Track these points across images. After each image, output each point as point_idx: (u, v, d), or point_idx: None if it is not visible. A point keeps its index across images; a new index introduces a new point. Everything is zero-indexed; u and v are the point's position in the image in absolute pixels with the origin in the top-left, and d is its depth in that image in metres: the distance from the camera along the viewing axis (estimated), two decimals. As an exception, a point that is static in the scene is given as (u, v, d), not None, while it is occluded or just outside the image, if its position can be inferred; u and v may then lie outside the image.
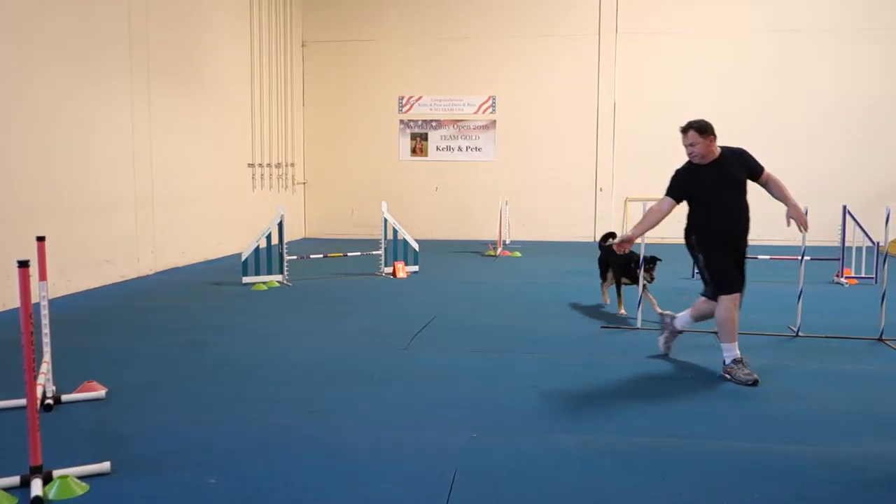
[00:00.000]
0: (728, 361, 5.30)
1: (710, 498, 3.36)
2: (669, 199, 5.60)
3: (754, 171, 5.56)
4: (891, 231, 7.37)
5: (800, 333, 6.63)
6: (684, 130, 5.50)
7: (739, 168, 5.54)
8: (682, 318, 5.81)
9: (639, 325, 6.89)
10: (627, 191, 15.32)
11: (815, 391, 5.02)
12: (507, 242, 13.84)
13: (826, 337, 6.57)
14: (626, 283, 7.64)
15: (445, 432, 4.17)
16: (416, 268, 10.62)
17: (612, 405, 4.72)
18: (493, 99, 15.99)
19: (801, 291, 6.75)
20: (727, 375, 5.25)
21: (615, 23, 15.37)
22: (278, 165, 15.01)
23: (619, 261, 7.56)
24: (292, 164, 15.74)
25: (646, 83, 15.37)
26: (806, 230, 5.56)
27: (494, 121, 16.05)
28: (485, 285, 9.72)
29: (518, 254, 12.97)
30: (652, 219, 5.67)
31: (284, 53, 15.35)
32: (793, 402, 4.78)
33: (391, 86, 16.22)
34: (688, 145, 5.47)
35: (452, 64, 16.01)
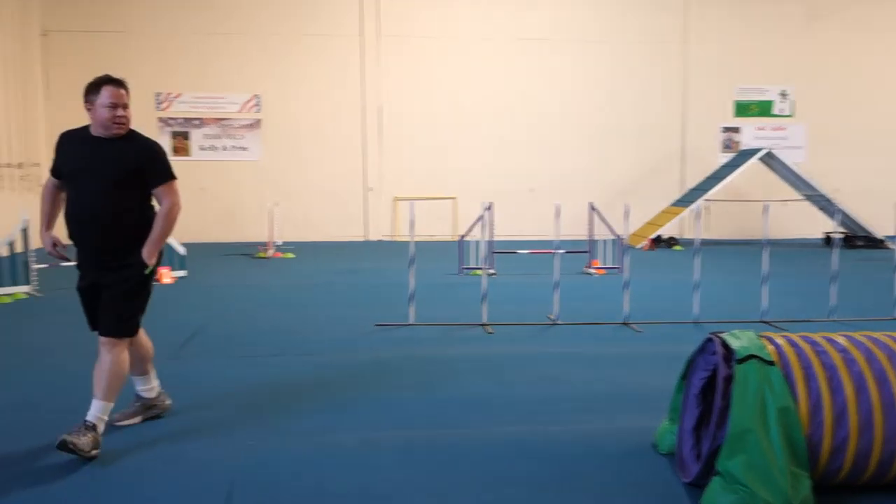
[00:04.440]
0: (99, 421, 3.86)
1: (482, 482, 3.55)
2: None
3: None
4: (630, 225, 8.20)
5: (557, 321, 7.18)
6: (119, 84, 3.98)
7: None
8: (138, 382, 4.37)
9: (412, 320, 7.08)
10: (396, 190, 15.70)
11: (572, 374, 5.46)
12: (280, 244, 13.61)
13: (580, 323, 7.17)
14: None
15: (219, 443, 4.04)
16: (183, 272, 10.14)
17: (389, 401, 4.82)
18: (258, 98, 15.65)
19: (556, 282, 7.31)
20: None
21: (377, 25, 15.66)
22: (20, 165, 13.61)
23: None
24: (37, 164, 14.33)
25: (409, 85, 15.82)
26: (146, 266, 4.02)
27: (259, 120, 15.72)
28: (257, 288, 9.50)
29: (291, 255, 12.81)
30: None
31: (21, 43, 13.92)
32: (553, 385, 5.17)
33: (147, 81, 15.28)
34: (122, 105, 3.94)
35: (213, 60, 15.45)
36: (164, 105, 15.50)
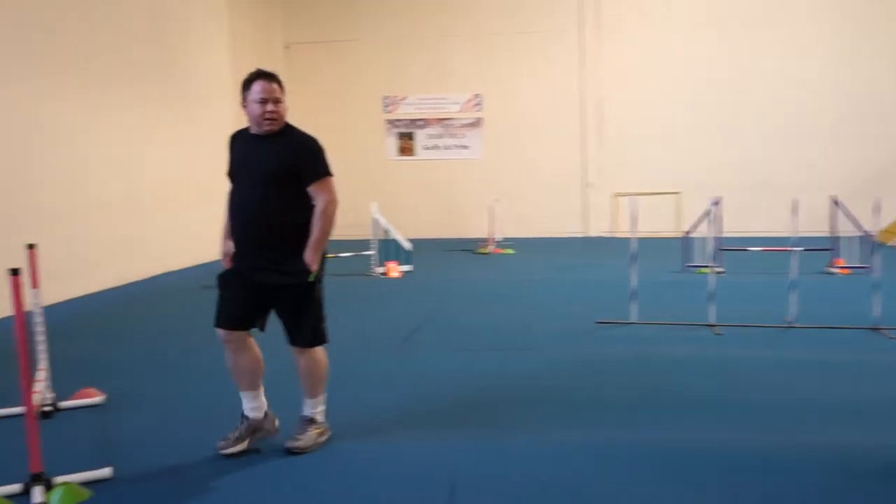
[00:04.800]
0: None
1: (710, 490, 3.37)
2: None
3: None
4: (881, 220, 7.41)
5: (794, 324, 6.66)
6: (270, 78, 3.82)
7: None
8: (246, 398, 3.96)
9: (633, 318, 6.90)
10: (616, 185, 15.38)
11: (812, 381, 5.03)
12: (499, 240, 13.83)
13: (821, 327, 6.59)
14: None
15: (442, 433, 4.16)
16: (409, 267, 10.60)
17: (611, 400, 4.72)
18: (479, 97, 15.99)
19: (794, 282, 6.78)
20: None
21: (595, 18, 15.41)
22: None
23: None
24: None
25: (629, 77, 15.41)
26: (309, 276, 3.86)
27: (481, 118, 16.05)
28: (478, 283, 9.72)
29: (510, 251, 12.98)
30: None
31: (267, 56, 15.26)
32: (789, 392, 4.80)
33: (376, 86, 16.19)
34: (273, 100, 3.75)
35: (436, 63, 15.99)
36: (391, 108, 16.30)
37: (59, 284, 8.49)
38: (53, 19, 8.74)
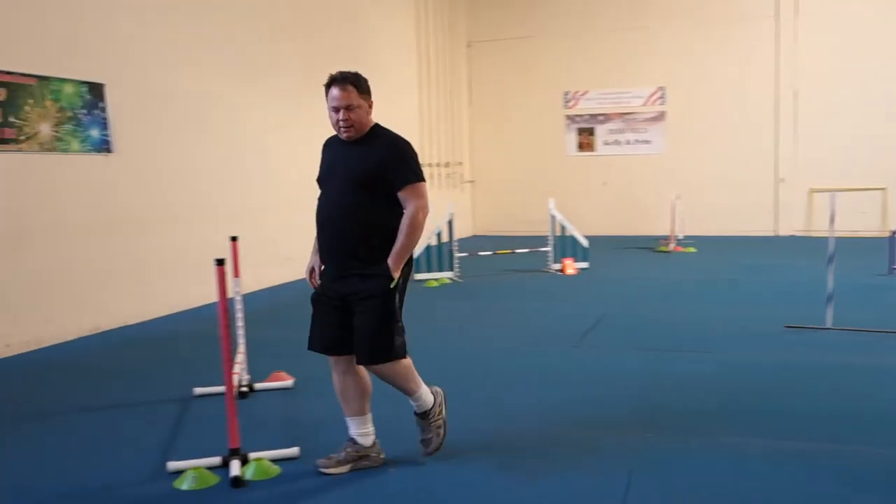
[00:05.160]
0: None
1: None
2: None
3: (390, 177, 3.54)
4: None
5: None
6: (343, 82, 3.54)
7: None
8: (353, 423, 3.77)
9: (828, 324, 6.43)
10: (812, 181, 14.36)
11: None
12: (681, 237, 13.35)
13: None
14: None
15: (618, 432, 4.10)
16: (585, 264, 10.48)
17: (799, 409, 4.43)
18: (662, 90, 15.48)
19: None
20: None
21: (795, 3, 14.41)
22: (447, 165, 15.30)
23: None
24: (460, 163, 16.00)
25: (829, 65, 14.29)
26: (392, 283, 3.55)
27: (664, 112, 15.54)
28: (657, 282, 9.44)
29: (692, 249, 12.49)
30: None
31: (450, 54, 15.62)
32: None
33: (556, 82, 16.09)
34: (346, 107, 3.50)
35: (618, 56, 15.64)
36: (572, 103, 16.16)
37: (256, 274, 9.17)
38: (254, 29, 9.45)
